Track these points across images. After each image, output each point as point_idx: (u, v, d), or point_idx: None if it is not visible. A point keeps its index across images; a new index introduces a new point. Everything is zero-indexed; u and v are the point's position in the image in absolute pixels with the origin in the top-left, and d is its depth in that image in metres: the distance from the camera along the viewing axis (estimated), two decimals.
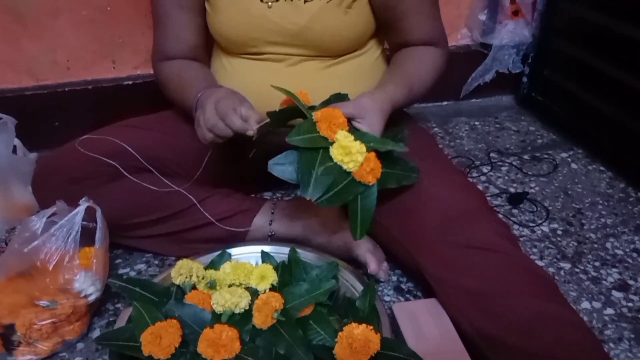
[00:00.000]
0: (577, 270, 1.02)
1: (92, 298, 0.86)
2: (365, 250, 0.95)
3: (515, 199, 1.22)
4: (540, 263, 1.03)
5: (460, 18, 1.60)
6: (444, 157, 1.03)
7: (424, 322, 0.80)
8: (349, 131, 0.79)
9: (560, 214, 1.18)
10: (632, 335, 0.88)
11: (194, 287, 0.81)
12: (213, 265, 0.87)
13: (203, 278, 0.81)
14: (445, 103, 1.69)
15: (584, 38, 1.43)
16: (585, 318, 0.91)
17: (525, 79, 1.63)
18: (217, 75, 1.02)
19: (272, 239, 0.99)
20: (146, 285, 0.79)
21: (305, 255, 0.88)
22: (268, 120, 0.79)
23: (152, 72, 1.07)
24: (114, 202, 0.93)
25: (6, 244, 0.99)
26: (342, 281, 0.85)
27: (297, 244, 0.92)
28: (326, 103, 0.85)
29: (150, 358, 0.69)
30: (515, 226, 1.14)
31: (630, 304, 0.94)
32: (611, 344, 0.87)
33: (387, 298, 0.96)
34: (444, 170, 0.92)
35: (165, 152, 1.00)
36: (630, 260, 1.04)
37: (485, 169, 1.35)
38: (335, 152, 0.77)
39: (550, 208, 1.19)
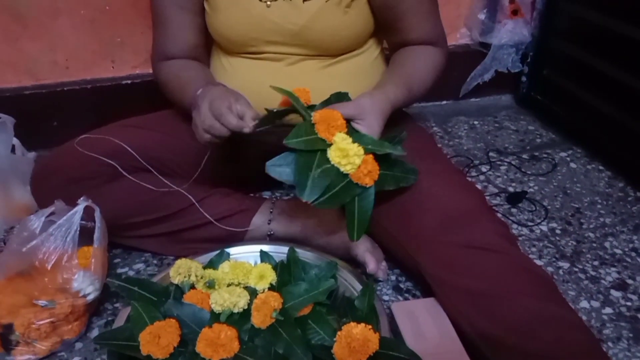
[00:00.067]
0: (576, 269, 1.02)
1: (90, 297, 0.86)
2: (364, 250, 0.95)
3: (514, 199, 1.22)
4: (539, 262, 1.03)
5: (460, 18, 1.60)
6: (443, 156, 1.03)
7: (422, 321, 0.80)
8: (348, 133, 0.79)
9: (559, 214, 1.18)
10: (631, 335, 0.88)
11: (192, 287, 0.81)
12: (212, 264, 0.87)
13: (202, 277, 0.81)
14: (444, 102, 1.69)
15: (583, 38, 1.43)
16: (584, 317, 0.91)
17: (524, 79, 1.63)
18: (217, 75, 1.02)
19: (271, 238, 0.99)
20: (145, 284, 0.79)
21: (304, 254, 0.88)
22: (263, 116, 0.79)
23: (151, 71, 1.07)
24: (112, 201, 0.93)
25: (5, 244, 1.00)
26: (341, 281, 0.85)
27: (296, 243, 0.92)
28: (326, 102, 0.85)
29: (148, 358, 0.69)
30: (514, 225, 1.14)
31: (628, 303, 0.95)
32: (610, 343, 0.87)
33: (386, 297, 0.96)
34: (444, 170, 0.92)
35: (164, 151, 1.00)
36: (628, 260, 1.04)
37: (484, 169, 1.35)
38: (332, 154, 0.77)
39: (549, 207, 1.19)
